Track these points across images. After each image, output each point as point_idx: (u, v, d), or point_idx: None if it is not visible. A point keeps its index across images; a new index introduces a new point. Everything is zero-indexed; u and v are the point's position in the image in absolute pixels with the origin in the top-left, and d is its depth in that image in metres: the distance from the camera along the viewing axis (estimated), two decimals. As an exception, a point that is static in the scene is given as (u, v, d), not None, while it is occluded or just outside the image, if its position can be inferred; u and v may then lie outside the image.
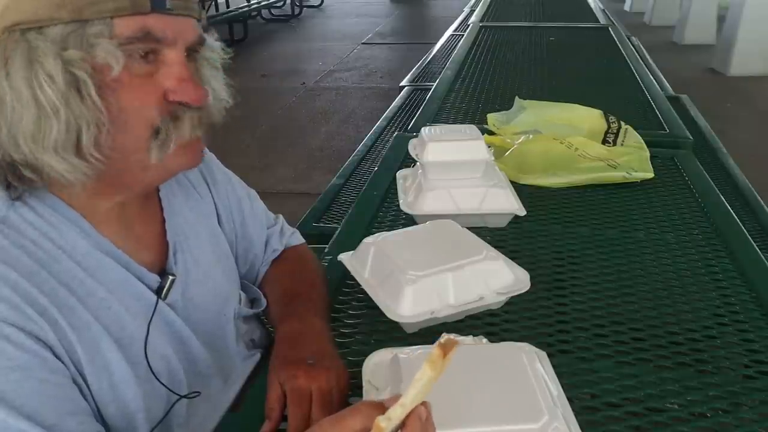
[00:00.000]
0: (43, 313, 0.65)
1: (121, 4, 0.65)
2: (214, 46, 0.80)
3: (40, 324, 0.65)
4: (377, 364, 0.83)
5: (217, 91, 0.81)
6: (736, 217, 1.34)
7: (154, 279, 0.79)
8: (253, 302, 1.02)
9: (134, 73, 0.68)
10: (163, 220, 0.85)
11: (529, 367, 0.74)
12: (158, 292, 0.79)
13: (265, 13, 9.46)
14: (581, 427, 0.70)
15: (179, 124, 0.72)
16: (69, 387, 0.67)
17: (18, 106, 0.64)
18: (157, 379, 0.76)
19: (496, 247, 1.04)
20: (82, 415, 0.67)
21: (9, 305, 0.63)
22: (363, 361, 0.84)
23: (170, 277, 0.81)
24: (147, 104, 0.70)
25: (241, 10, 8.08)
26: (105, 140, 0.67)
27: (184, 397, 0.80)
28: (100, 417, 0.72)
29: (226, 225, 0.97)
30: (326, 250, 1.22)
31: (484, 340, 0.87)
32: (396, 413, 0.53)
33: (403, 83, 3.60)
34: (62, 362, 0.67)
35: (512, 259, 1.05)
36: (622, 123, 1.68)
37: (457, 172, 1.28)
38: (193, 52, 0.74)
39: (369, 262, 1.02)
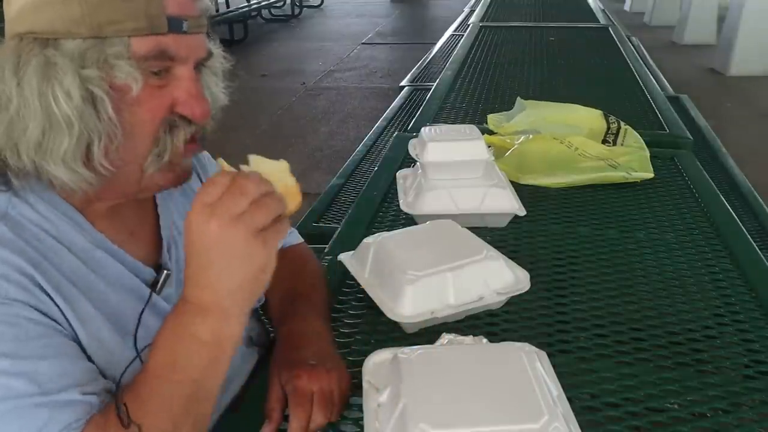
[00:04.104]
0: (51, 296, 0.67)
1: (139, 24, 0.66)
2: (217, 55, 0.82)
3: (49, 305, 0.67)
4: (377, 364, 0.83)
5: (215, 97, 0.82)
6: (736, 217, 1.34)
7: (150, 273, 0.80)
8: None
9: (148, 88, 0.69)
10: (158, 217, 0.86)
11: (529, 367, 0.74)
12: (153, 285, 0.80)
13: (265, 13, 9.45)
14: (581, 427, 0.70)
15: (175, 133, 0.73)
16: (83, 356, 0.70)
17: (25, 114, 0.64)
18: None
19: (496, 247, 1.04)
20: (100, 377, 0.70)
21: (20, 287, 0.65)
22: (363, 361, 0.84)
23: (165, 272, 0.82)
24: (157, 116, 0.71)
25: (241, 10, 8.07)
26: (113, 150, 0.69)
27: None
28: None
29: None
30: (326, 250, 1.22)
31: (484, 340, 0.87)
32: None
33: (403, 83, 3.60)
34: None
35: (512, 259, 1.05)
36: (622, 123, 1.68)
37: (457, 172, 1.28)
38: (200, 65, 0.76)
39: (369, 262, 1.02)
